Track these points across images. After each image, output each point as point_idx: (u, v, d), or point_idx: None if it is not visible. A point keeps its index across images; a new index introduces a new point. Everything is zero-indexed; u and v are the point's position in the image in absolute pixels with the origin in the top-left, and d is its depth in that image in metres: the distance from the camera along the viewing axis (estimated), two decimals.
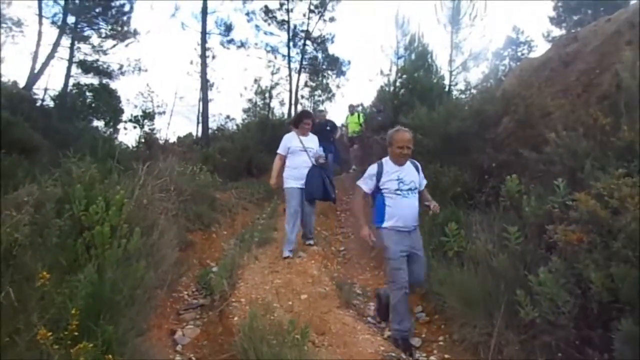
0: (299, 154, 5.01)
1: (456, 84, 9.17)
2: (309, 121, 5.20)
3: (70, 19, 15.36)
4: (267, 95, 17.77)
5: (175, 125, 36.84)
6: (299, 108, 19.09)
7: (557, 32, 21.58)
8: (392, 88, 9.71)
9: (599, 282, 2.13)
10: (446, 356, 3.14)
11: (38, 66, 14.14)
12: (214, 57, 18.23)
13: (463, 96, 8.45)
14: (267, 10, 18.52)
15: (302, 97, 20.22)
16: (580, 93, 4.91)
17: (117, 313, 2.42)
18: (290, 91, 18.66)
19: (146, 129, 12.96)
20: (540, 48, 24.27)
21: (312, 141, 5.18)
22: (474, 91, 8.29)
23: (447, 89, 8.90)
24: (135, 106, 16.89)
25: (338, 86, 20.59)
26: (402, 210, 3.38)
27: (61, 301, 2.18)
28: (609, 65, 4.70)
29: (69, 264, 2.71)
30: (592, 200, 2.42)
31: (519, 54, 24.46)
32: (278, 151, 5.14)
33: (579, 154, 3.19)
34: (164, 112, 17.78)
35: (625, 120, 3.16)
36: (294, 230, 4.96)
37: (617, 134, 3.08)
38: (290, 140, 5.09)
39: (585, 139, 3.28)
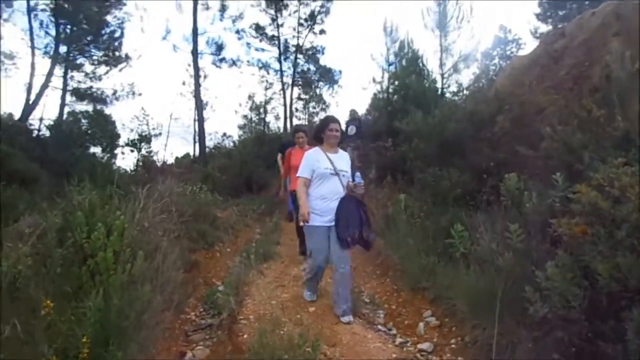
0: (328, 179, 3.59)
1: (448, 86, 9.28)
2: (336, 126, 3.72)
3: (62, 49, 15.57)
4: (261, 110, 17.97)
5: (172, 147, 36.99)
6: (295, 121, 19.29)
7: (543, 27, 21.90)
8: (385, 95, 9.80)
9: (605, 273, 2.12)
10: (459, 359, 3.10)
11: (32, 97, 14.31)
12: (205, 76, 18.48)
13: (456, 98, 8.53)
14: (257, 27, 18.85)
15: (297, 109, 20.44)
16: (571, 87, 4.96)
17: (126, 338, 2.42)
18: (285, 105, 18.88)
19: (143, 152, 13.06)
20: (529, 45, 24.57)
21: (344, 160, 3.73)
22: (466, 92, 8.37)
23: (440, 92, 8.98)
24: (131, 130, 16.95)
25: (332, 95, 20.90)
26: None
27: (68, 329, 2.18)
28: (598, 57, 4.76)
29: (75, 291, 2.70)
30: (592, 191, 2.41)
31: (508, 52, 24.82)
32: (300, 174, 3.65)
33: (575, 147, 3.20)
34: (160, 134, 17.89)
35: (618, 110, 3.18)
36: (316, 281, 3.91)
37: (612, 124, 3.10)
38: (315, 159, 3.64)
39: (581, 132, 3.30)
